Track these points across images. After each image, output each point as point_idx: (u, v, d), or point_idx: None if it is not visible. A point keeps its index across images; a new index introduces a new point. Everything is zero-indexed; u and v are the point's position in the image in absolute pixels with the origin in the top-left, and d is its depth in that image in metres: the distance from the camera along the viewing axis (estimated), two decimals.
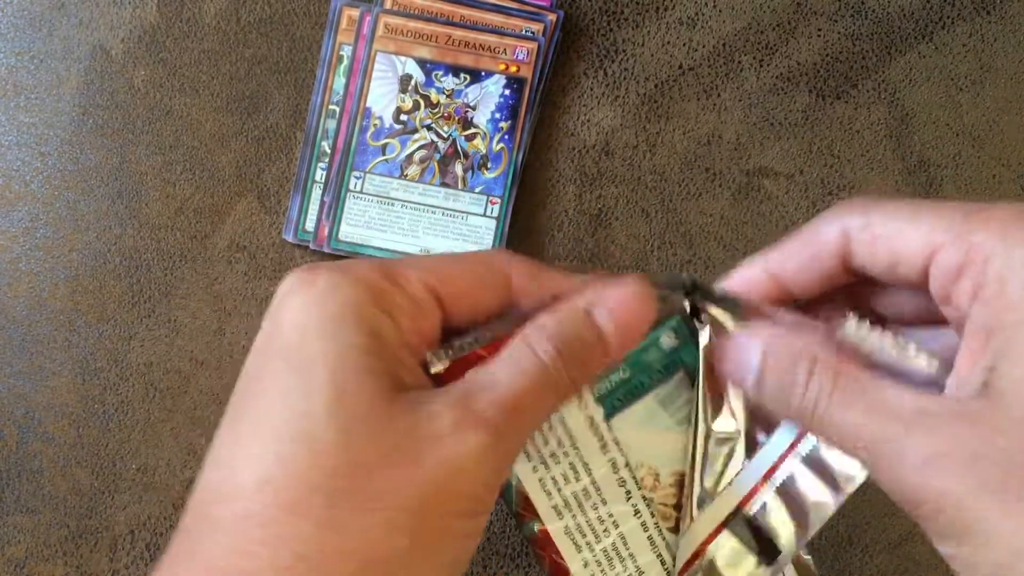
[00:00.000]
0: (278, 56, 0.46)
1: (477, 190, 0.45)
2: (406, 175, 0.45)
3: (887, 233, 0.25)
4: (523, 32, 0.45)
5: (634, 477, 0.28)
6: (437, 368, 0.25)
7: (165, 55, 0.46)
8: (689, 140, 0.46)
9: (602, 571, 0.28)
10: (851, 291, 0.29)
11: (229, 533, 0.22)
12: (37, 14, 0.46)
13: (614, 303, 0.25)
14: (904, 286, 0.26)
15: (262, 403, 0.23)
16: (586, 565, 0.28)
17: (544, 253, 0.46)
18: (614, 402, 0.28)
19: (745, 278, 0.28)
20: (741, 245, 0.46)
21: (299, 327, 0.23)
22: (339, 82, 0.45)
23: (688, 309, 0.28)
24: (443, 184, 0.45)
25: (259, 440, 0.22)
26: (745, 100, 0.47)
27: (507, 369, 0.24)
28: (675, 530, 0.29)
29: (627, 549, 0.28)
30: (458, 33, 0.45)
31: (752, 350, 0.26)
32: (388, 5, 0.45)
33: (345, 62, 0.45)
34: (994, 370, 0.22)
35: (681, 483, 0.29)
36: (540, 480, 0.28)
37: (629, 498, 0.28)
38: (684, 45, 0.46)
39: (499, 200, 0.45)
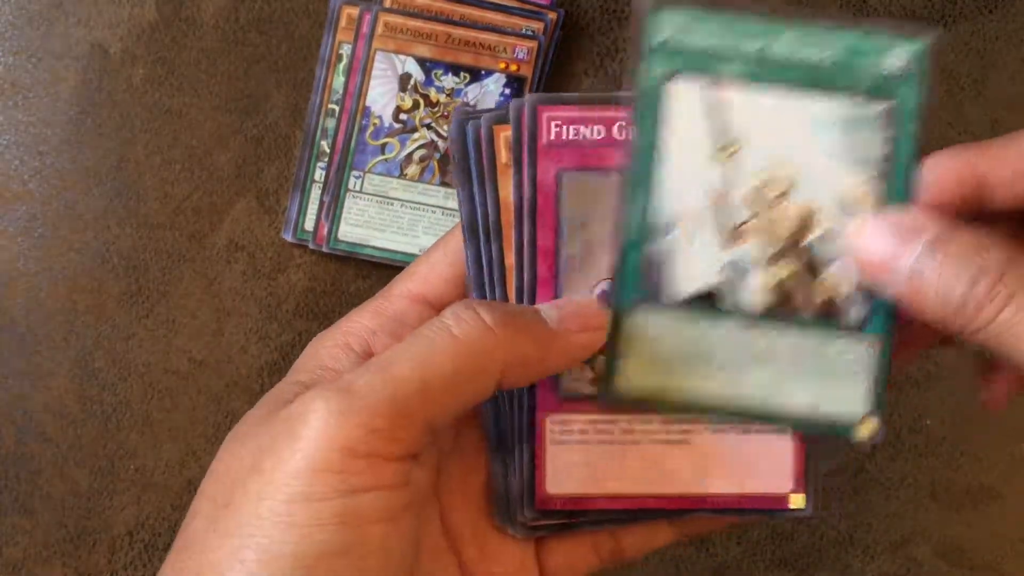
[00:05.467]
0: (277, 55, 0.46)
1: None
2: (406, 174, 0.45)
3: None
4: (523, 31, 0.45)
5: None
6: None
7: (164, 54, 0.46)
8: None
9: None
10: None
11: None
12: (35, 12, 0.46)
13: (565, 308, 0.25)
14: None
15: (249, 531, 0.21)
16: None
17: None
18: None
19: (940, 166, 0.23)
20: None
21: (294, 473, 0.21)
22: (338, 81, 0.45)
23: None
24: (443, 183, 0.45)
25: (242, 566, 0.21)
26: None
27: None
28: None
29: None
30: (458, 32, 0.45)
31: (915, 227, 0.22)
32: (388, 4, 0.45)
33: (344, 61, 0.45)
34: None
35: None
36: None
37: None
38: None
39: None
